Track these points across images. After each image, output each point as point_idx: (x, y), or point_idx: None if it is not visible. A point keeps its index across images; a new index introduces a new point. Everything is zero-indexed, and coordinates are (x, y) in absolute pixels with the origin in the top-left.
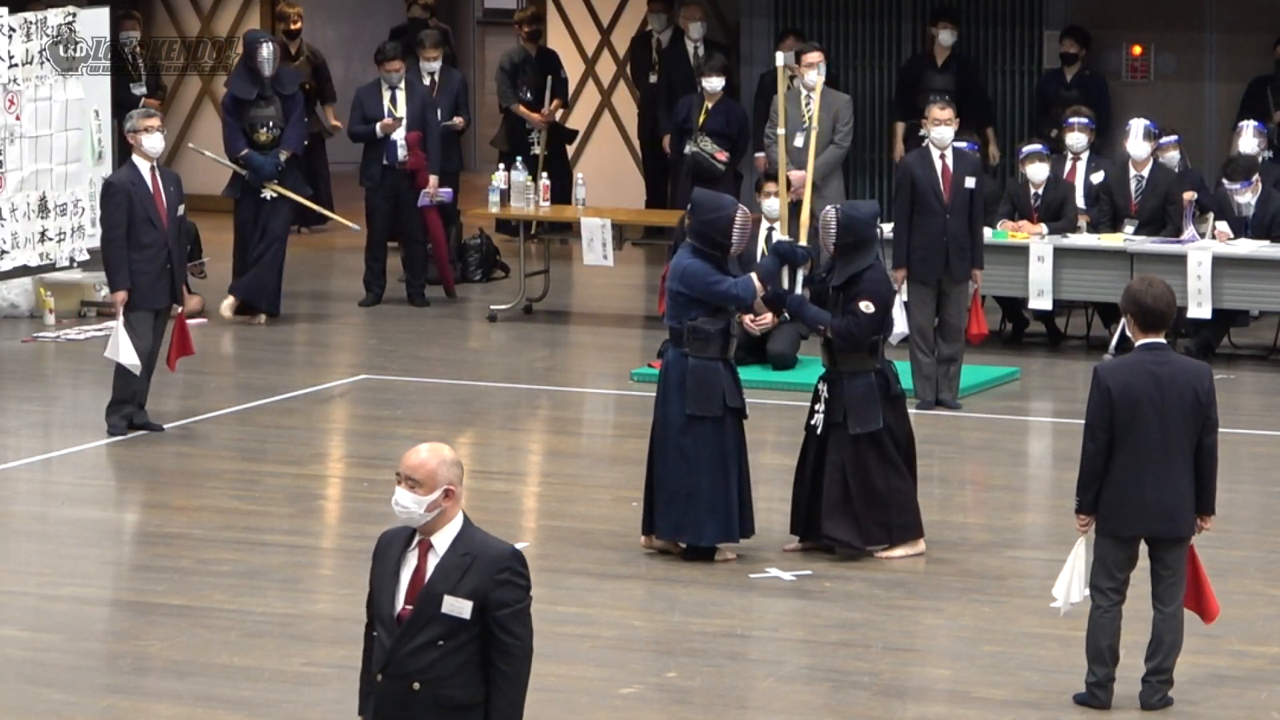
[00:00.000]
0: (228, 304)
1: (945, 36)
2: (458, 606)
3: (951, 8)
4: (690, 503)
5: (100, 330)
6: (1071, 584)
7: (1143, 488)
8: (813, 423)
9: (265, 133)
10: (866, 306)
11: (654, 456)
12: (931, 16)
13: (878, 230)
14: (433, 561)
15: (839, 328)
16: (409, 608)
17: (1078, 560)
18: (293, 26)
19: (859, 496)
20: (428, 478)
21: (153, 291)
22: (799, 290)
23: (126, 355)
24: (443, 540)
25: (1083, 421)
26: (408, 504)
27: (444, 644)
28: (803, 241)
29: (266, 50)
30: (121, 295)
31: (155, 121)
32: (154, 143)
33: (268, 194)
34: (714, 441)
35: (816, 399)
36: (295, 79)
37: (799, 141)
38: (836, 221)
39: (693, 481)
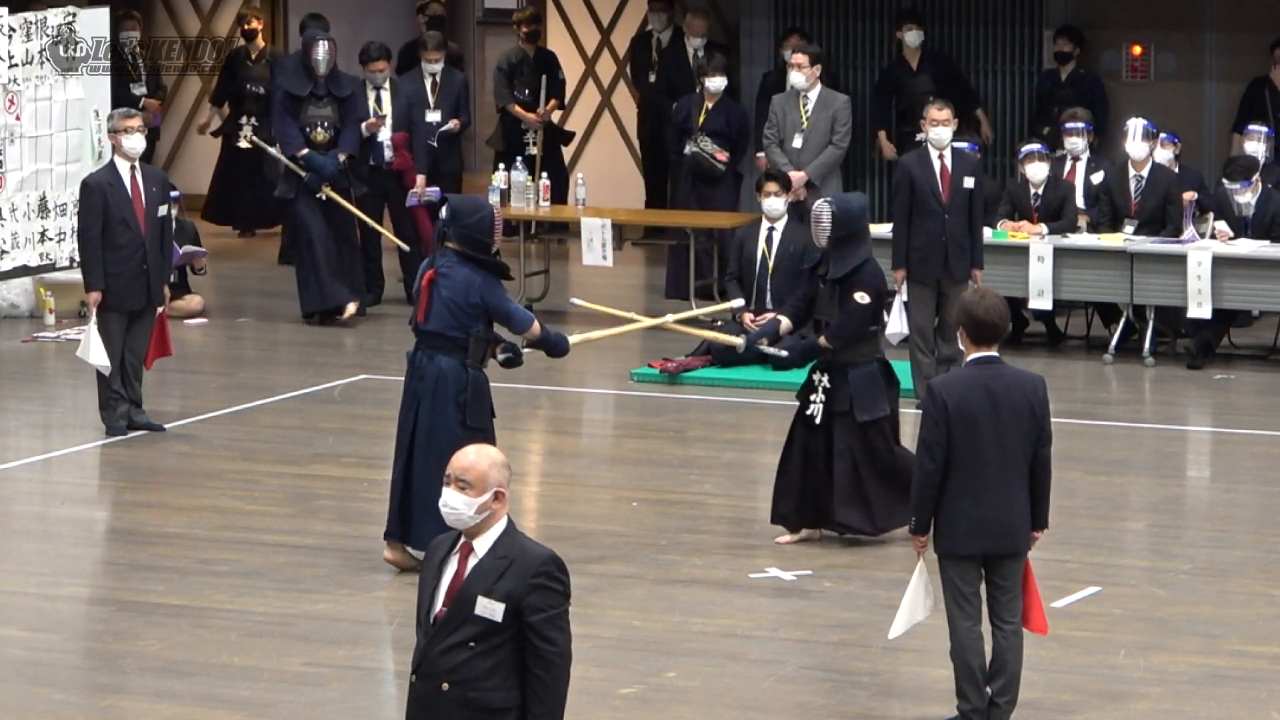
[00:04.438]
0: (351, 308)
1: (912, 38)
2: (490, 608)
3: (914, 8)
4: None
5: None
6: (915, 604)
7: (979, 505)
8: (809, 413)
9: (321, 132)
10: (861, 297)
11: (410, 465)
12: (896, 19)
13: (867, 223)
14: (472, 563)
15: (835, 329)
16: (445, 609)
17: (917, 583)
18: (248, 26)
19: (873, 483)
20: (479, 479)
21: (127, 293)
22: (776, 351)
23: (97, 357)
24: (484, 543)
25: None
26: (457, 505)
27: (475, 645)
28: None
29: (322, 49)
30: (95, 296)
31: (135, 122)
32: (134, 143)
33: (323, 195)
34: None
35: (812, 389)
36: (352, 81)
37: (797, 142)
38: (830, 215)
39: None
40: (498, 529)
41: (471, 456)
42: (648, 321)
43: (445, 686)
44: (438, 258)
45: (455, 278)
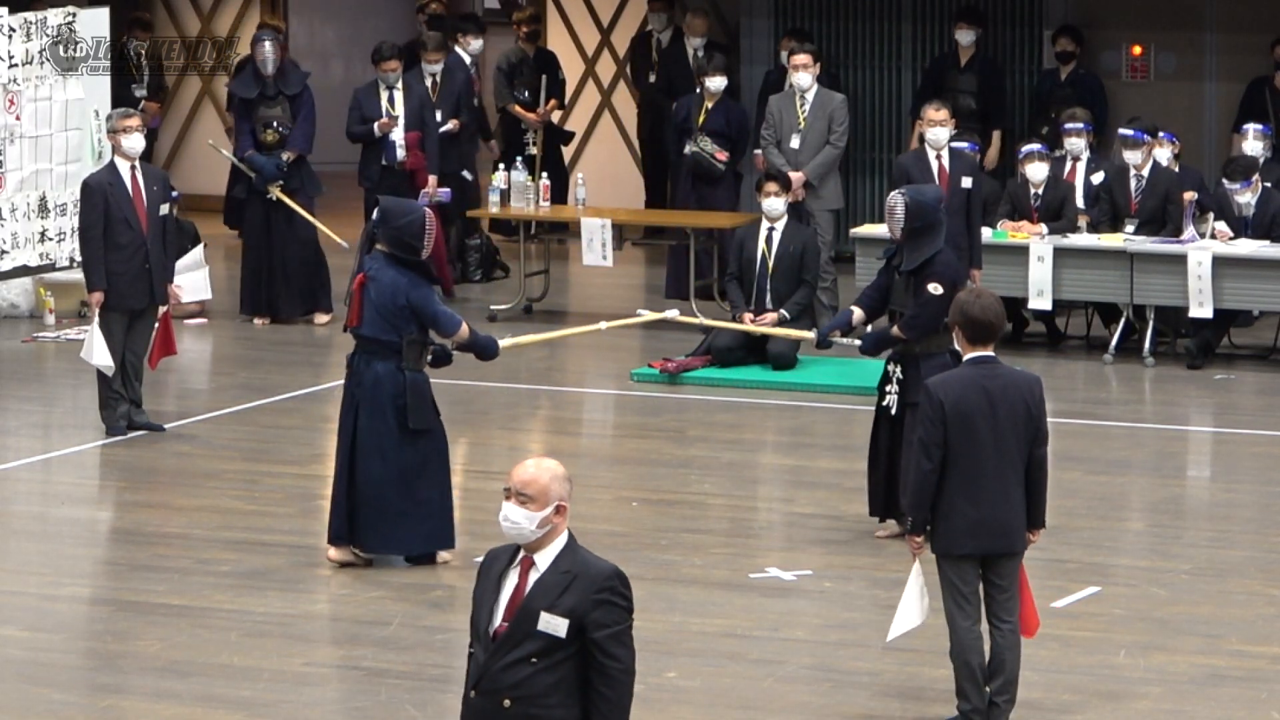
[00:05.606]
0: (322, 318)
1: (964, 36)
2: (554, 624)
3: (973, 7)
4: (407, 515)
5: (83, 332)
6: (910, 609)
7: (977, 504)
8: (885, 404)
9: (271, 133)
10: (935, 288)
11: (354, 469)
12: (954, 17)
13: (943, 214)
14: (533, 578)
15: (909, 320)
16: (505, 624)
17: (913, 587)
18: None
19: None
20: (540, 493)
21: (129, 292)
22: (850, 341)
23: (100, 357)
24: (545, 558)
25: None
26: (518, 520)
27: (538, 661)
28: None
29: (267, 48)
30: (97, 296)
31: (135, 122)
32: (133, 143)
33: (272, 196)
34: (435, 452)
35: (887, 380)
36: (300, 78)
37: (794, 143)
38: (904, 206)
39: (412, 494)
40: (559, 543)
41: (532, 470)
42: (588, 328)
43: (507, 703)
44: (367, 260)
45: (382, 280)
